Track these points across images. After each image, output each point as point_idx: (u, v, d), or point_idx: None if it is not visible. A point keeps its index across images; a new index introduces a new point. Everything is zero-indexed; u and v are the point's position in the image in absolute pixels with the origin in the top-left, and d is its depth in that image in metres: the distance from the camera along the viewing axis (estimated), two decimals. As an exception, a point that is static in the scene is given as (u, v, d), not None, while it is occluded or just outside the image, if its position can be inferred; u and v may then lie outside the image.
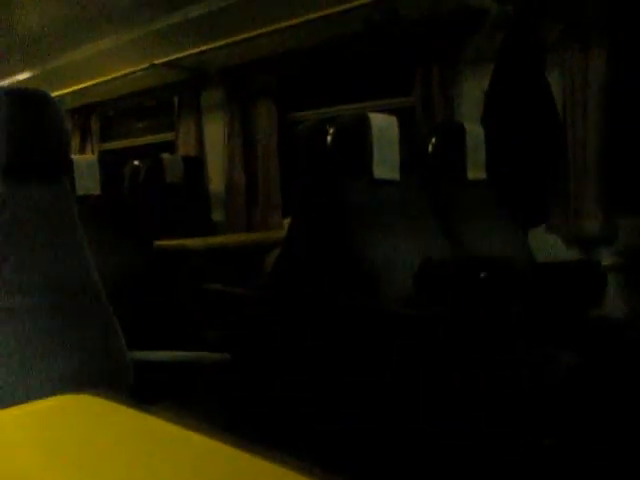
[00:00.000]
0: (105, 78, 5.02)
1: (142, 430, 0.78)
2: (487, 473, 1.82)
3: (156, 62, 4.57)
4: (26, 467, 0.66)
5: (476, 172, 2.94)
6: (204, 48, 4.20)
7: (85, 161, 3.58)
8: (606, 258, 2.82)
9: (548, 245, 3.13)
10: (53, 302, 1.38)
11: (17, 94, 1.48)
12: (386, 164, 2.49)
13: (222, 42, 4.04)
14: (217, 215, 4.84)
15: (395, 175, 2.54)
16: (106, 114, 6.25)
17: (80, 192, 3.16)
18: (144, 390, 1.47)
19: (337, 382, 2.13)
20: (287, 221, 2.84)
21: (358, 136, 2.44)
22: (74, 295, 1.44)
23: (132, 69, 4.78)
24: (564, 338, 2.23)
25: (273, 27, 3.71)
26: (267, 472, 0.62)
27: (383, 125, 2.49)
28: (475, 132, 2.96)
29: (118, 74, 4.90)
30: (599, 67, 2.98)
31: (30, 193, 1.48)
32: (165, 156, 4.58)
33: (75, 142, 6.14)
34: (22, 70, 5.35)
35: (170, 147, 5.31)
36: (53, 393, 0.90)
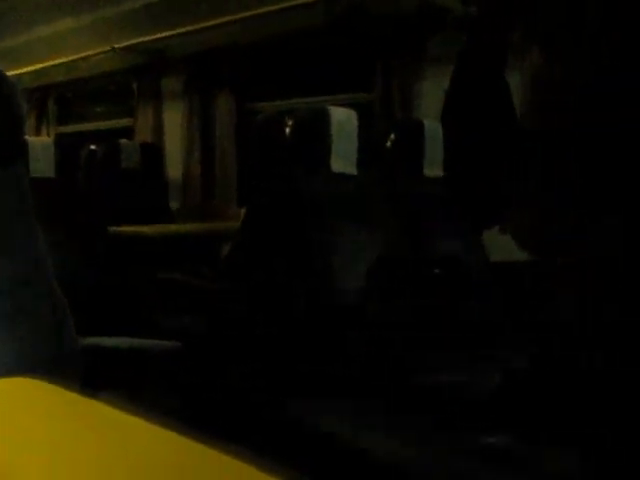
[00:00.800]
0: (65, 59, 4.95)
1: (88, 416, 0.77)
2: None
3: (117, 46, 4.52)
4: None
5: (433, 170, 2.96)
6: (166, 34, 4.17)
7: (40, 143, 3.52)
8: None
9: (502, 245, 3.17)
10: (1, 286, 1.36)
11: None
12: (344, 158, 2.50)
13: (184, 29, 4.02)
14: (175, 203, 4.80)
15: (353, 169, 2.55)
16: (64, 96, 6.16)
17: (34, 174, 3.12)
18: (94, 377, 1.45)
19: (289, 371, 2.13)
20: (243, 211, 2.84)
21: (317, 129, 2.44)
22: (24, 280, 1.42)
23: (93, 51, 4.72)
24: (514, 338, 2.27)
25: (235, 16, 3.70)
26: (214, 460, 0.62)
27: (343, 119, 2.49)
28: (434, 130, 2.98)
29: (78, 56, 4.83)
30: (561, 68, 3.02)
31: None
32: (122, 141, 4.53)
33: (31, 123, 6.04)
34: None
35: (129, 133, 5.26)
36: (-1, 378, 0.89)
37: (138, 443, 0.69)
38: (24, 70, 5.20)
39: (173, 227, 4.13)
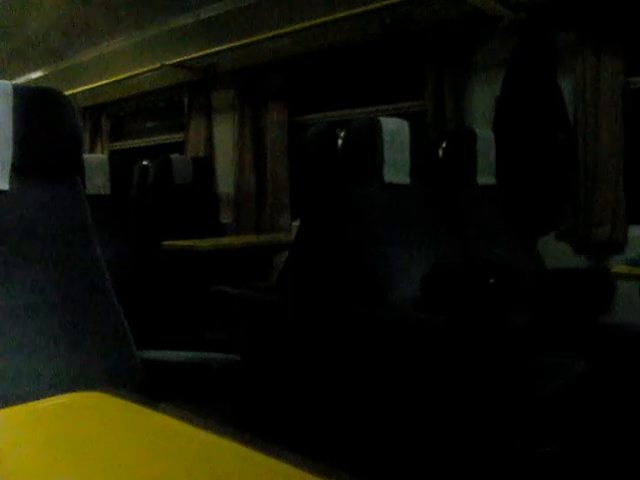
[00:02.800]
0: (116, 78, 5.04)
1: (151, 427, 0.78)
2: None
3: (167, 63, 4.58)
4: (38, 463, 0.66)
5: (486, 178, 2.94)
6: (215, 49, 4.20)
7: (95, 160, 3.59)
8: (616, 266, 2.82)
9: (558, 253, 3.12)
10: (64, 300, 1.38)
11: (31, 92, 1.48)
12: (397, 168, 2.49)
13: (233, 44, 4.05)
14: (226, 216, 4.84)
15: (405, 180, 2.54)
16: (117, 114, 6.27)
17: (90, 191, 3.17)
18: (153, 390, 1.47)
19: (345, 387, 2.13)
20: (296, 224, 2.84)
21: (369, 140, 2.44)
22: (85, 294, 1.44)
23: (143, 69, 4.79)
24: (573, 345, 2.23)
25: (285, 29, 3.71)
26: (273, 469, 0.62)
27: (394, 129, 2.49)
28: (486, 138, 2.96)
29: (129, 74, 4.91)
30: (611, 73, 2.98)
31: (42, 192, 1.48)
32: (174, 157, 4.59)
33: (85, 141, 6.15)
34: (35, 69, 5.38)
35: (180, 148, 5.32)
36: (63, 391, 0.91)
37: (194, 451, 0.69)
38: (79, 89, 5.31)
39: (226, 240, 4.16)
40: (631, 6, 2.92)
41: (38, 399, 0.86)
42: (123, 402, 0.84)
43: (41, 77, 5.43)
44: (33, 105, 1.46)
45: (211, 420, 0.75)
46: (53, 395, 0.88)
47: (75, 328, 1.37)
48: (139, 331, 1.56)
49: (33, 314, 1.31)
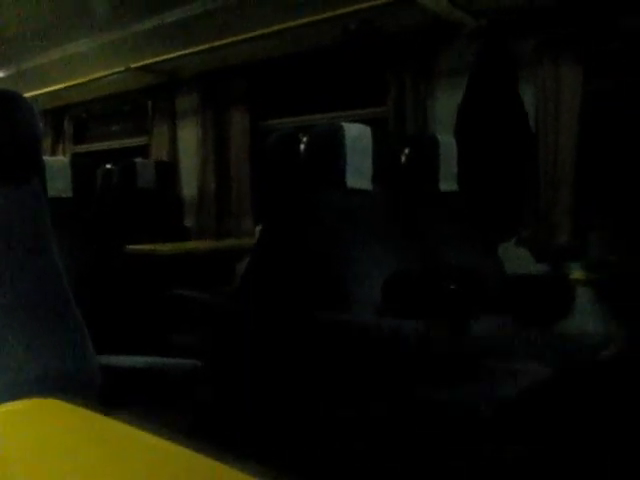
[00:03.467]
0: (80, 80, 4.98)
1: (107, 435, 0.78)
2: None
3: (131, 66, 4.55)
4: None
5: (448, 184, 2.96)
6: (179, 53, 4.19)
7: (57, 163, 3.55)
8: (575, 272, 2.86)
9: (518, 259, 3.15)
10: (20, 305, 1.37)
11: (-11, 94, 1.47)
12: (359, 174, 2.50)
13: (197, 48, 4.04)
14: (190, 221, 4.82)
15: (368, 185, 2.55)
16: (80, 116, 6.21)
17: (51, 194, 3.13)
18: (112, 395, 1.45)
19: (306, 392, 2.13)
20: (259, 228, 2.84)
21: (332, 145, 2.45)
22: (42, 299, 1.42)
23: (107, 72, 4.75)
24: (533, 351, 2.25)
25: (248, 34, 3.71)
26: (231, 478, 0.62)
27: (357, 135, 2.50)
28: (448, 144, 2.98)
29: (93, 76, 4.87)
30: (571, 81, 3.02)
31: (1, 193, 1.46)
32: (138, 160, 4.55)
33: (47, 144, 6.08)
34: (-5, 70, 5.31)
35: (144, 151, 5.29)
36: (19, 396, 0.90)
37: (151, 460, 0.69)
38: (41, 91, 5.24)
39: (189, 245, 4.14)
40: (589, 14, 2.97)
41: (-9, 405, 0.85)
42: (78, 409, 0.83)
43: (2, 78, 5.36)
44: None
45: (168, 428, 0.75)
46: (6, 402, 0.87)
47: (31, 333, 1.35)
48: (100, 336, 1.54)
49: (-12, 319, 1.30)
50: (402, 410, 1.94)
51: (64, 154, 6.08)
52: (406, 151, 2.87)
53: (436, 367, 1.98)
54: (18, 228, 1.47)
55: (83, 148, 6.22)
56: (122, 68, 4.61)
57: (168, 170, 4.75)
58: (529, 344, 2.32)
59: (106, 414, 0.82)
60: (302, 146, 2.44)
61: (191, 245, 4.16)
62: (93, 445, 0.75)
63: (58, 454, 0.71)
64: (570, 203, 3.05)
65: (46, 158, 3.51)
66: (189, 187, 4.89)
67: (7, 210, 1.46)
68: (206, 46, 3.99)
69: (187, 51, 4.13)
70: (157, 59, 4.38)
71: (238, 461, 0.63)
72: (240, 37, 3.77)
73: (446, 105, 3.44)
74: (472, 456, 1.84)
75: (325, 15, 3.32)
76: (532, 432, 1.93)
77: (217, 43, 3.91)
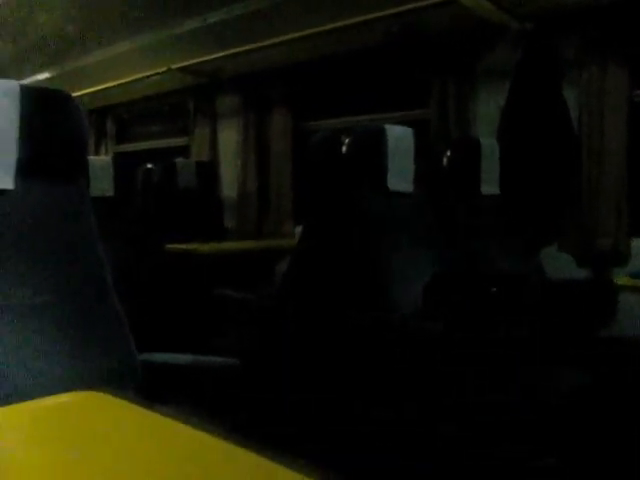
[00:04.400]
0: (122, 81, 5.05)
1: (150, 428, 0.78)
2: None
3: (173, 67, 4.59)
4: (38, 462, 0.67)
5: (490, 187, 2.94)
6: (221, 54, 4.21)
7: (100, 162, 3.60)
8: (619, 277, 2.81)
9: (560, 263, 3.12)
10: (66, 301, 1.38)
11: (38, 93, 1.49)
12: (401, 176, 2.49)
13: (239, 49, 4.06)
14: (230, 221, 4.84)
15: (409, 187, 2.54)
16: (122, 116, 6.28)
17: (94, 193, 3.17)
18: (152, 392, 1.47)
19: (345, 392, 2.13)
20: (299, 229, 2.85)
21: (374, 147, 2.44)
22: (87, 295, 1.44)
23: (149, 73, 4.80)
24: (574, 357, 2.23)
25: (291, 36, 3.72)
26: (270, 471, 0.62)
27: (399, 137, 2.49)
28: (490, 147, 2.96)
29: (135, 77, 4.93)
30: (616, 85, 2.98)
31: (47, 191, 1.48)
32: (179, 160, 4.59)
33: (90, 143, 6.17)
34: (42, 70, 5.39)
35: (184, 152, 5.33)
36: (64, 390, 0.91)
37: (193, 452, 0.69)
38: (85, 91, 5.32)
39: (228, 245, 4.16)
40: (636, 18, 2.93)
41: (39, 398, 0.87)
42: (123, 402, 0.84)
43: (48, 78, 5.44)
44: (40, 106, 1.47)
45: (209, 422, 0.76)
46: (54, 394, 0.89)
47: (76, 329, 1.37)
48: (141, 334, 1.56)
49: (35, 314, 1.32)
50: (439, 412, 1.93)
51: (106, 153, 6.17)
52: (448, 154, 2.85)
53: (475, 370, 1.97)
54: (64, 226, 1.49)
55: (125, 148, 6.30)
56: (164, 69, 4.65)
57: (208, 170, 4.78)
58: (571, 349, 2.29)
59: (147, 407, 0.83)
60: (344, 147, 2.44)
61: (231, 245, 4.18)
62: (140, 437, 0.76)
63: (102, 445, 0.71)
64: (613, 208, 3.01)
65: (90, 158, 3.57)
66: (229, 188, 4.91)
67: (54, 208, 1.48)
68: (247, 48, 4.00)
69: (228, 52, 4.15)
70: (198, 60, 4.41)
71: (276, 455, 0.64)
72: (282, 39, 3.78)
73: (489, 108, 3.42)
74: (511, 461, 1.82)
75: (367, 17, 3.31)
76: (575, 439, 1.90)
77: (258, 45, 3.93)
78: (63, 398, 0.89)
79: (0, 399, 1.16)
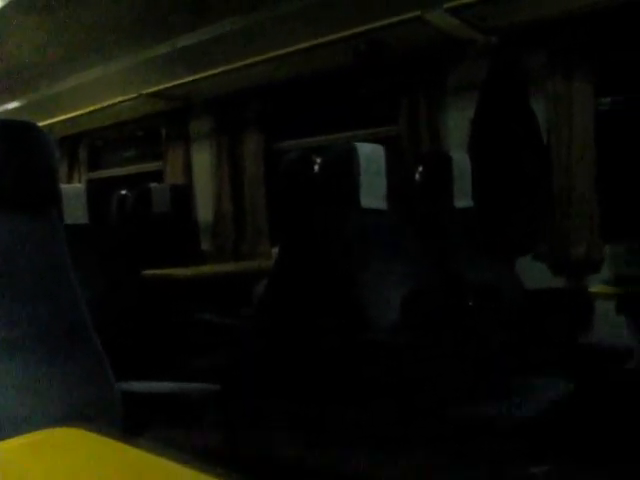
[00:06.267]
0: (93, 107, 5.03)
1: (128, 462, 0.78)
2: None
3: (144, 92, 4.59)
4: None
5: (463, 201, 2.96)
6: (191, 78, 4.22)
7: (73, 190, 3.57)
8: (594, 285, 2.84)
9: (535, 273, 3.14)
10: (40, 335, 1.37)
11: (5, 125, 1.48)
12: (373, 193, 2.50)
13: (209, 72, 4.07)
14: (206, 244, 4.83)
15: (382, 204, 2.55)
16: (94, 143, 6.26)
17: (67, 221, 3.15)
18: (133, 421, 1.46)
19: (328, 414, 2.12)
20: (275, 250, 2.85)
21: (345, 165, 2.46)
22: (62, 328, 1.43)
23: (120, 99, 4.80)
24: (554, 365, 2.24)
25: (260, 57, 3.74)
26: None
27: (370, 154, 2.50)
28: (461, 161, 2.98)
29: (106, 103, 4.92)
30: (582, 95, 3.02)
31: (18, 223, 1.47)
32: (153, 185, 4.57)
33: (63, 171, 6.13)
34: (10, 100, 5.36)
35: (160, 176, 5.32)
36: (41, 426, 0.90)
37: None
38: (56, 119, 5.30)
39: (205, 268, 4.15)
40: (600, 28, 2.97)
41: (14, 436, 0.86)
42: (100, 438, 0.83)
43: (17, 107, 5.42)
44: (7, 138, 1.46)
45: (190, 454, 0.75)
46: (29, 431, 0.88)
47: (51, 363, 1.36)
48: (120, 362, 1.55)
49: (8, 349, 1.30)
50: (421, 426, 1.93)
51: (79, 181, 6.13)
52: (419, 169, 2.87)
53: (455, 383, 1.97)
54: (36, 259, 1.48)
55: (98, 174, 6.27)
56: (135, 95, 4.65)
57: (183, 194, 4.77)
58: (549, 357, 2.31)
59: (127, 441, 0.82)
60: (316, 167, 2.45)
61: (208, 269, 4.16)
62: (115, 474, 0.75)
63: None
64: (584, 216, 3.04)
65: (62, 186, 3.55)
66: (205, 210, 4.91)
67: (26, 240, 1.47)
68: (216, 71, 4.01)
69: (198, 76, 4.16)
70: (169, 85, 4.42)
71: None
72: (251, 60, 3.79)
73: (458, 122, 3.44)
74: (492, 473, 1.83)
75: (336, 36, 3.34)
76: (554, 446, 1.91)
77: (228, 67, 3.94)
78: (38, 436, 0.88)
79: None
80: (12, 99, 5.36)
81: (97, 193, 3.72)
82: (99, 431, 0.85)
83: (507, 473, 1.85)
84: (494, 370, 2.12)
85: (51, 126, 5.32)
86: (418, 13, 3.03)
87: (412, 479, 1.93)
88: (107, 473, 0.74)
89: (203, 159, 4.95)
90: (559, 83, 3.07)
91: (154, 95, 4.64)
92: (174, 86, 4.42)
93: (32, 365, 1.32)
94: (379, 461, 1.98)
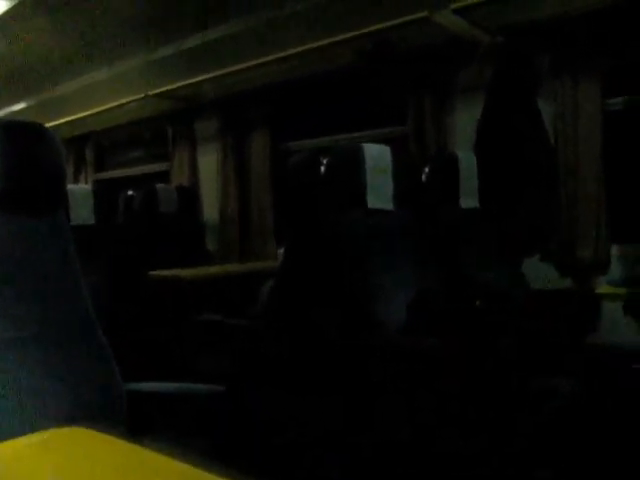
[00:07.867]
0: (100, 108, 5.04)
1: (134, 462, 0.78)
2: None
3: (150, 93, 4.59)
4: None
5: (469, 201, 2.95)
6: (198, 79, 4.22)
7: (79, 191, 3.58)
8: (601, 286, 2.83)
9: (543, 274, 3.13)
10: (48, 334, 1.37)
11: (13, 127, 1.48)
12: (380, 194, 2.50)
13: (215, 73, 4.07)
14: (212, 244, 4.83)
15: (389, 205, 2.54)
16: (101, 144, 6.27)
17: (74, 222, 3.15)
18: (138, 421, 1.46)
19: (334, 415, 2.12)
20: (281, 251, 2.84)
21: (352, 166, 2.45)
22: (69, 327, 1.43)
23: (127, 99, 4.80)
24: (561, 366, 2.23)
25: (267, 58, 3.74)
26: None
27: (377, 155, 2.50)
28: (468, 161, 2.97)
29: (113, 104, 4.93)
30: (590, 95, 3.01)
31: (25, 226, 1.47)
32: (159, 186, 4.58)
33: (70, 172, 6.14)
34: (18, 101, 5.38)
35: (166, 177, 5.32)
36: (48, 425, 0.90)
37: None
38: (63, 120, 5.31)
39: (211, 269, 4.15)
40: (607, 29, 2.96)
41: (20, 435, 0.86)
42: (106, 437, 0.83)
43: (25, 108, 5.43)
44: (15, 139, 1.46)
45: (195, 454, 0.75)
46: (36, 431, 0.88)
47: (59, 363, 1.36)
48: (125, 363, 1.55)
49: (16, 348, 1.30)
50: (429, 429, 1.92)
51: (86, 181, 6.15)
52: (426, 169, 2.86)
53: (463, 386, 1.97)
54: (44, 259, 1.48)
55: (105, 175, 6.28)
56: (141, 95, 4.65)
57: (189, 195, 4.77)
58: (557, 358, 2.30)
59: (133, 441, 0.82)
60: (322, 167, 2.45)
61: (213, 269, 4.17)
62: (121, 474, 0.75)
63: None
64: (592, 216, 3.03)
65: (69, 186, 3.56)
66: (211, 211, 4.91)
67: (33, 242, 1.47)
68: (222, 71, 4.02)
69: (204, 77, 4.16)
70: (175, 85, 4.42)
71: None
72: (258, 61, 3.79)
73: (465, 122, 3.44)
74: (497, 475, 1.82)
75: (343, 37, 3.34)
76: (568, 448, 1.90)
77: (234, 68, 3.94)
78: (46, 435, 0.88)
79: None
80: (19, 100, 5.39)
81: (104, 194, 3.73)
82: (105, 431, 0.85)
83: (512, 476, 1.84)
84: (502, 371, 2.12)
85: (58, 127, 5.33)
86: (425, 13, 3.03)
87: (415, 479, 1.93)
88: (113, 473, 0.74)
89: (209, 160, 4.95)
90: (566, 83, 3.06)
91: (160, 96, 4.64)
92: (180, 87, 4.42)
93: (40, 364, 1.32)
94: (385, 462, 1.97)
